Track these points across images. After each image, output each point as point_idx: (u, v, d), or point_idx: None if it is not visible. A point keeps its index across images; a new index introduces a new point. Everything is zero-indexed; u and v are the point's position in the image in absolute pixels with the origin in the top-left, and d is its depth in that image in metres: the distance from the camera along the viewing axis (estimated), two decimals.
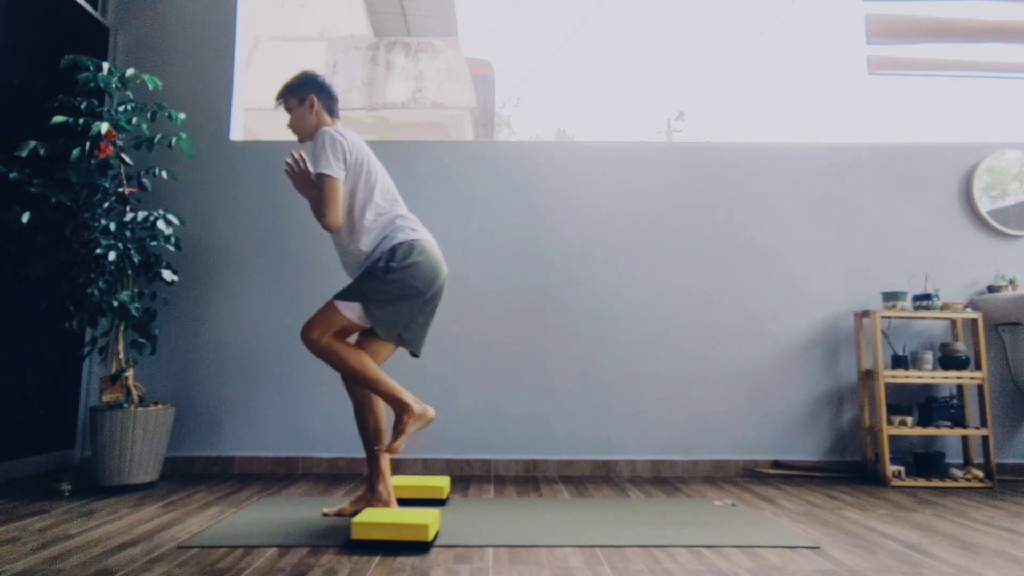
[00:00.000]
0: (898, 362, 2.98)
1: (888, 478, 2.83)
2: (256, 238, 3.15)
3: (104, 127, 2.64)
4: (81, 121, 2.65)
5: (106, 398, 2.61)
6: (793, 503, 2.50)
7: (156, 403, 2.78)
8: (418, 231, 2.15)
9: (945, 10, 3.65)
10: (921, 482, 2.84)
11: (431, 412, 2.08)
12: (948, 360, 2.96)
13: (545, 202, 3.22)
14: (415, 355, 2.19)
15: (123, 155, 2.77)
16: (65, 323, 2.63)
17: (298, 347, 3.06)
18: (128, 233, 2.71)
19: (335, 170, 2.05)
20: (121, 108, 2.80)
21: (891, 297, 2.98)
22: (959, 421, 2.94)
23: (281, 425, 3.04)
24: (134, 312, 2.65)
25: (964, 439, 3.02)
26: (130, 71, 2.82)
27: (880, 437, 2.86)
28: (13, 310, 2.72)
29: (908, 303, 2.98)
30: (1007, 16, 3.62)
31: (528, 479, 2.92)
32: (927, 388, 3.12)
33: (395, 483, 2.36)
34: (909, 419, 2.92)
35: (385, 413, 2.20)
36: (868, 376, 3.01)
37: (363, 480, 2.81)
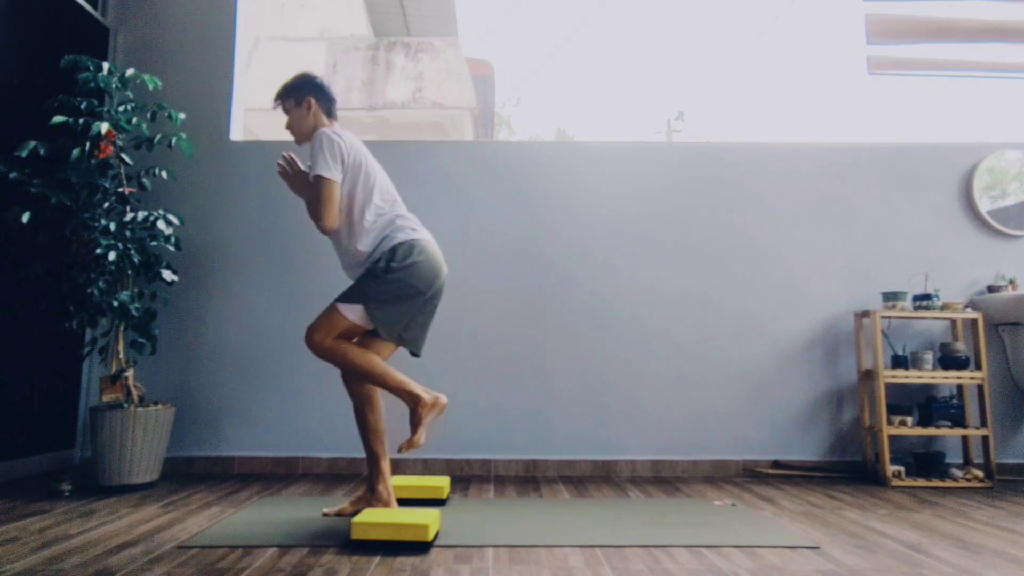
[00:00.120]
0: (898, 362, 2.98)
1: (888, 478, 2.83)
2: (256, 238, 3.15)
3: (104, 127, 2.64)
4: (81, 121, 2.65)
5: (106, 398, 2.61)
6: (793, 503, 2.50)
7: (156, 403, 2.78)
8: (418, 231, 2.15)
9: (945, 10, 3.65)
10: (921, 482, 2.84)
11: (443, 399, 2.09)
12: (948, 360, 2.96)
13: (545, 202, 3.22)
14: (416, 355, 2.19)
15: (123, 155, 2.77)
16: (65, 323, 2.63)
17: (298, 347, 3.06)
18: (128, 233, 2.71)
19: (332, 172, 2.05)
20: (121, 108, 2.81)
21: (891, 297, 2.98)
22: (959, 421, 2.94)
23: (281, 425, 3.04)
24: (134, 312, 2.65)
25: (964, 439, 3.02)
26: (130, 71, 2.82)
27: (880, 437, 2.86)
28: (13, 310, 2.72)
29: (908, 303, 2.98)
30: (1007, 16, 3.62)
31: (528, 479, 2.92)
32: (927, 388, 3.12)
33: (395, 483, 2.36)
34: (909, 419, 2.92)
35: (385, 413, 2.21)
36: (868, 376, 3.02)
37: (363, 480, 2.81)
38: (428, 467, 3.01)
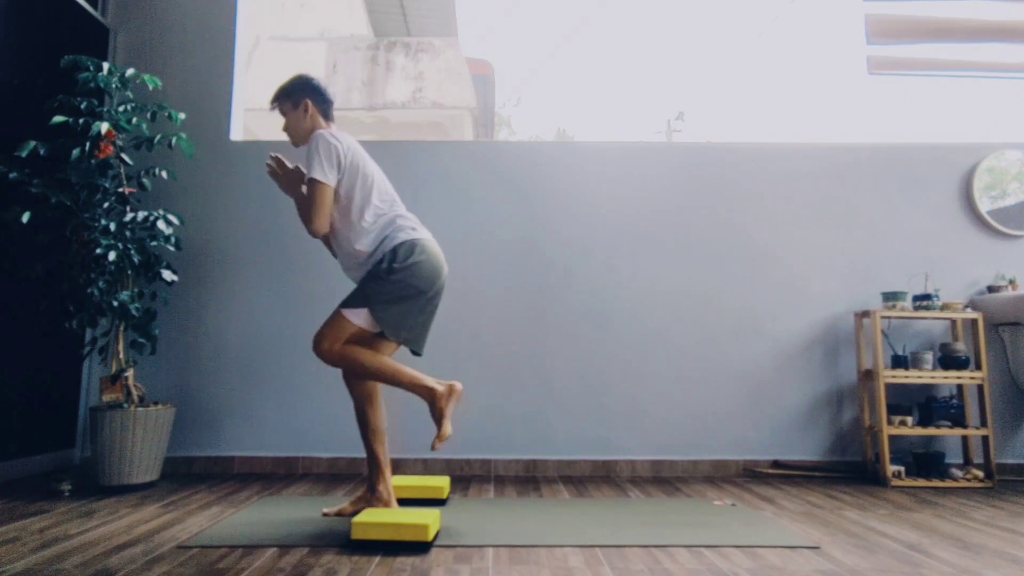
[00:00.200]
0: (898, 362, 2.97)
1: (888, 478, 2.83)
2: (256, 238, 3.15)
3: (104, 127, 2.64)
4: (81, 121, 2.65)
5: (106, 398, 2.61)
6: (793, 503, 2.50)
7: (156, 403, 2.78)
8: (418, 230, 2.15)
9: (945, 10, 3.65)
10: (921, 482, 2.84)
11: (458, 386, 2.10)
12: (948, 360, 2.96)
13: (545, 202, 3.22)
14: (417, 354, 2.19)
15: (123, 155, 2.77)
16: (65, 323, 2.63)
17: (298, 347, 3.07)
18: (128, 233, 2.71)
19: (327, 176, 2.05)
20: (121, 108, 2.80)
21: (891, 297, 2.98)
22: (959, 421, 2.94)
23: (281, 425, 3.04)
24: (134, 312, 2.65)
25: (964, 439, 3.02)
26: (130, 71, 2.82)
27: (880, 437, 2.86)
28: (13, 310, 2.72)
29: (908, 303, 2.98)
30: (1007, 16, 3.62)
31: (528, 479, 2.92)
32: (927, 388, 3.12)
33: (395, 483, 2.36)
34: (909, 419, 2.92)
35: (386, 413, 2.21)
36: (868, 376, 3.02)
37: (363, 480, 2.81)
38: (428, 467, 3.01)
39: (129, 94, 2.88)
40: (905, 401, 3.06)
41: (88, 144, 2.65)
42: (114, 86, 2.77)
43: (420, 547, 1.83)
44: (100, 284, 2.62)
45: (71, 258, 2.63)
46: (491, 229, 3.19)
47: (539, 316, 3.14)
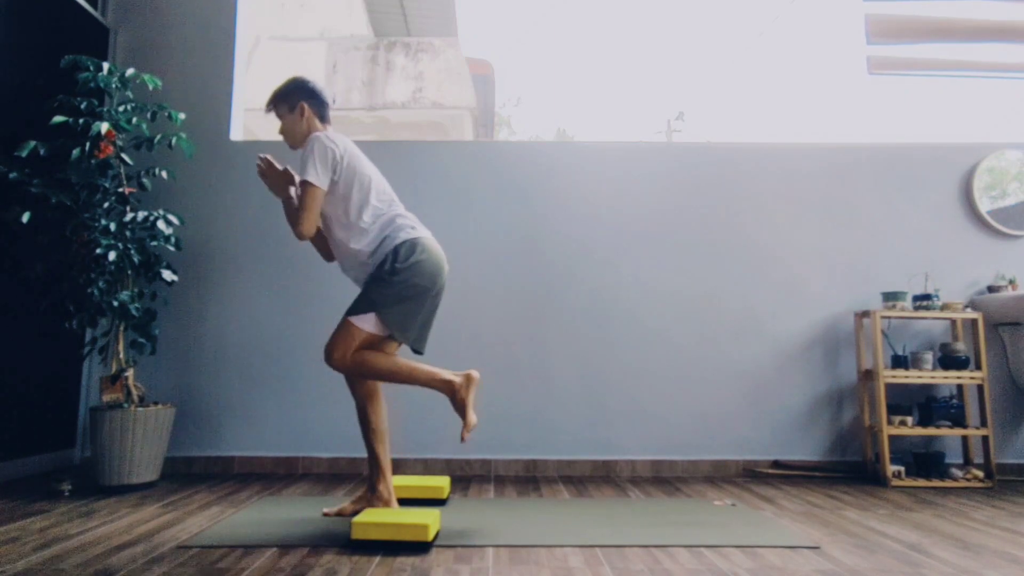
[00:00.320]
0: (898, 362, 2.97)
1: (888, 478, 2.83)
2: (256, 238, 3.15)
3: (104, 127, 2.64)
4: (81, 121, 2.65)
5: (106, 398, 2.61)
6: (793, 503, 2.50)
7: (156, 403, 2.78)
8: (417, 229, 2.15)
9: (945, 10, 3.65)
10: (921, 482, 2.84)
11: (474, 374, 2.11)
12: (948, 360, 2.96)
13: (545, 202, 3.22)
14: (419, 352, 2.19)
15: (123, 155, 2.77)
16: (65, 323, 2.63)
17: (298, 347, 3.07)
18: (128, 233, 2.71)
19: (319, 179, 2.05)
20: (121, 108, 2.80)
21: (891, 297, 2.98)
22: (959, 421, 2.94)
23: (281, 425, 3.04)
24: (134, 312, 2.65)
25: (964, 439, 3.02)
26: (130, 71, 2.82)
27: (880, 437, 2.86)
28: (13, 310, 2.72)
29: (908, 303, 2.98)
30: (1007, 16, 3.62)
31: (528, 479, 2.92)
32: (927, 388, 3.12)
33: (395, 483, 2.36)
34: (909, 419, 2.92)
35: (388, 413, 2.20)
36: (868, 376, 3.02)
37: (364, 480, 2.81)
38: (428, 467, 3.01)
39: (129, 94, 2.88)
40: (905, 401, 3.06)
41: (88, 144, 2.65)
42: (114, 86, 2.77)
43: (420, 547, 1.83)
44: (100, 284, 2.62)
45: (71, 258, 2.63)
46: (491, 229, 3.19)
47: (539, 316, 3.14)
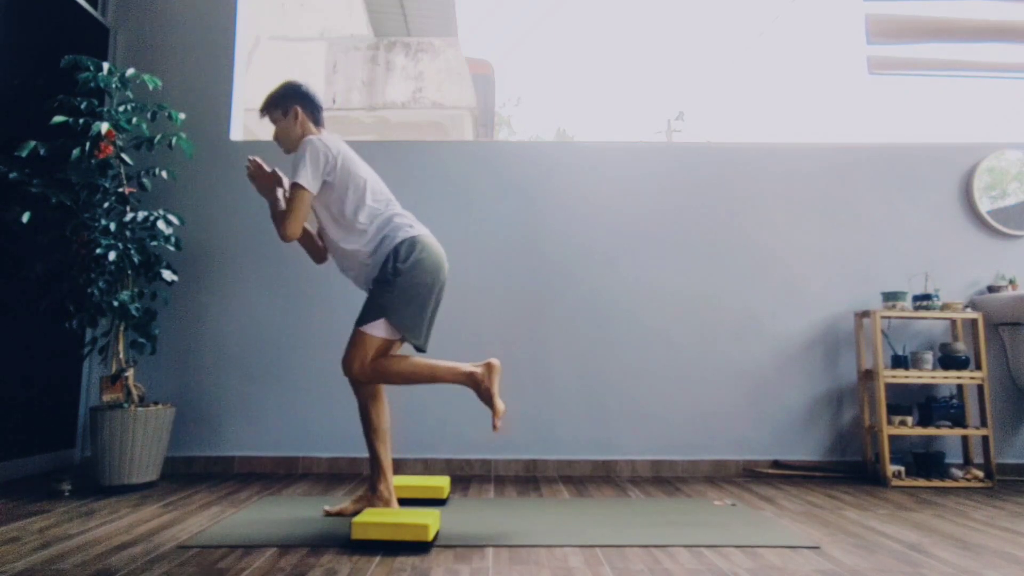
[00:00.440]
0: (898, 362, 2.97)
1: (888, 478, 2.83)
2: (256, 238, 3.15)
3: (104, 127, 2.64)
4: (81, 121, 2.65)
5: (106, 398, 2.61)
6: (793, 503, 2.50)
7: (156, 403, 2.78)
8: (416, 227, 2.16)
9: (945, 10, 3.65)
10: (921, 482, 2.84)
11: (495, 362, 2.12)
12: (948, 360, 2.96)
13: (545, 202, 3.22)
14: (422, 350, 2.18)
15: (123, 155, 2.77)
16: (65, 323, 2.63)
17: (298, 346, 3.07)
18: (128, 233, 2.71)
19: (310, 183, 2.06)
20: (121, 108, 2.80)
21: (891, 297, 2.98)
22: (959, 421, 2.94)
23: (281, 425, 3.04)
24: (134, 312, 2.65)
25: (964, 439, 3.02)
26: (130, 71, 2.82)
27: (880, 437, 2.86)
28: (13, 310, 2.72)
29: (908, 303, 2.98)
30: (1007, 16, 3.62)
31: (528, 479, 2.92)
32: (927, 388, 3.12)
33: (396, 483, 2.36)
34: (909, 419, 2.92)
35: (391, 413, 2.20)
36: (868, 376, 3.02)
37: (364, 480, 2.81)
38: (428, 467, 3.01)
39: (129, 94, 2.88)
40: (905, 401, 3.06)
41: (88, 144, 2.65)
42: (114, 86, 2.77)
43: (420, 547, 1.83)
44: (100, 284, 2.62)
45: (71, 258, 2.63)
46: (491, 229, 3.19)
47: (539, 316, 3.14)
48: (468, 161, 3.25)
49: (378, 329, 2.05)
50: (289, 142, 2.23)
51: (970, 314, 2.95)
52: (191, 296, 3.11)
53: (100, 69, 2.72)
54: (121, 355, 2.67)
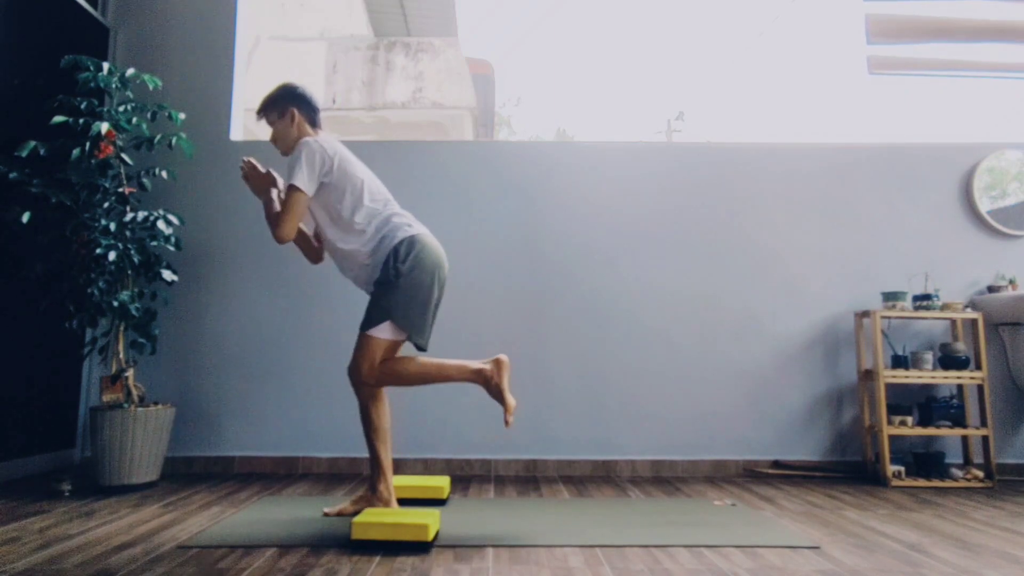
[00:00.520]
0: (898, 362, 2.97)
1: (888, 478, 2.83)
2: (256, 238, 3.15)
3: (104, 127, 2.64)
4: (81, 121, 2.65)
5: (106, 398, 2.61)
6: (793, 503, 2.50)
7: (156, 403, 2.78)
8: (414, 226, 2.16)
9: (945, 10, 3.65)
10: (921, 482, 2.84)
11: (503, 358, 2.14)
12: (948, 360, 2.96)
13: (545, 202, 3.22)
14: (423, 349, 2.18)
15: (123, 155, 2.77)
16: (65, 323, 2.63)
17: (298, 346, 3.07)
18: (128, 233, 2.71)
19: (306, 184, 2.06)
20: (121, 108, 2.80)
21: (891, 297, 2.98)
22: (959, 421, 2.94)
23: (281, 425, 3.04)
24: (134, 312, 2.65)
25: (964, 439, 3.02)
26: (130, 71, 2.82)
27: (880, 437, 2.86)
28: (13, 310, 2.72)
29: (908, 303, 2.98)
30: (1007, 16, 3.62)
31: (528, 479, 2.92)
32: (927, 388, 3.12)
33: (396, 483, 2.36)
34: (909, 419, 2.92)
35: (391, 413, 2.20)
36: (868, 376, 3.02)
37: (364, 480, 2.81)
38: (428, 467, 3.01)
39: (129, 94, 2.88)
40: (905, 401, 3.06)
41: (88, 144, 2.65)
42: (114, 86, 2.77)
43: (420, 547, 1.83)
44: (100, 284, 2.62)
45: (71, 258, 2.63)
46: (491, 229, 3.19)
47: (539, 316, 3.14)
48: (468, 161, 3.25)
49: (384, 331, 2.06)
50: (286, 144, 2.23)
51: (970, 314, 2.95)
52: (191, 296, 3.11)
53: (100, 69, 2.72)
54: (121, 355, 2.67)
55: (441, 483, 2.42)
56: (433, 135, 8.83)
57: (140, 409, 2.57)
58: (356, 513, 2.14)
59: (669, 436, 3.08)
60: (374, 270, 2.12)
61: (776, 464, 3.05)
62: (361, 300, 2.23)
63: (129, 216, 2.72)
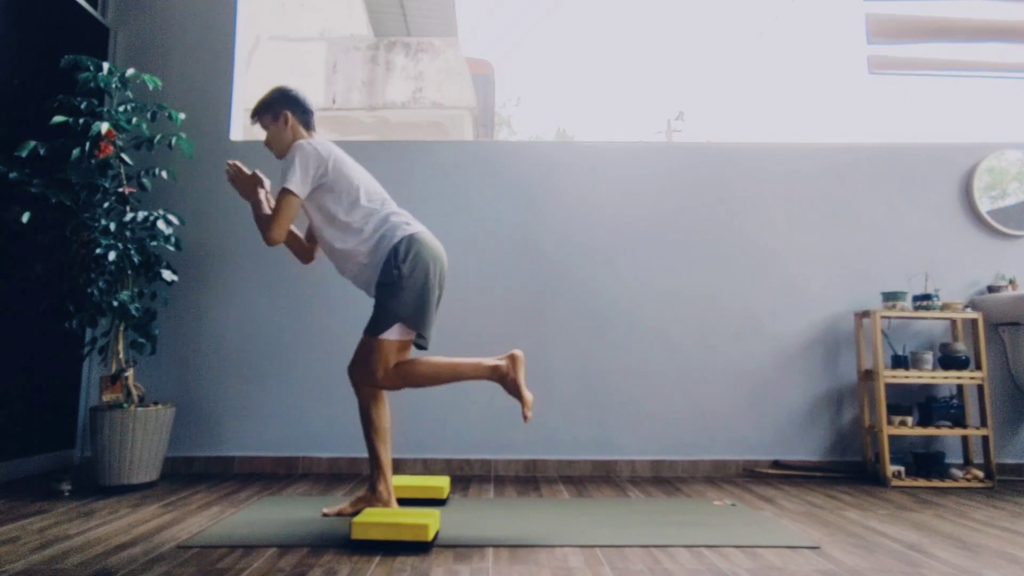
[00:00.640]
0: (898, 362, 2.97)
1: (888, 478, 2.83)
2: (256, 238, 3.14)
3: (104, 127, 2.64)
4: (81, 121, 2.65)
5: (106, 398, 2.61)
6: (793, 503, 2.50)
7: (156, 403, 2.78)
8: (412, 225, 2.16)
9: (945, 10, 3.65)
10: (921, 482, 2.84)
11: (518, 353, 2.12)
12: (948, 360, 2.96)
13: (545, 202, 3.22)
14: (424, 348, 2.18)
15: (123, 155, 2.77)
16: (65, 323, 2.63)
17: (298, 346, 3.07)
18: (128, 233, 2.71)
19: (299, 188, 2.06)
20: (121, 108, 2.80)
21: (891, 297, 2.98)
22: (959, 421, 2.94)
23: (281, 425, 3.04)
24: (134, 312, 2.65)
25: (964, 439, 3.02)
26: (130, 71, 2.82)
27: (880, 437, 2.86)
28: (13, 310, 2.72)
29: (908, 303, 2.98)
30: (1007, 16, 3.62)
31: (528, 479, 2.92)
32: (927, 388, 3.12)
33: (395, 483, 2.36)
34: (909, 419, 2.92)
35: (392, 413, 2.20)
36: (868, 376, 3.01)
37: (364, 480, 2.81)
38: (428, 467, 3.01)
39: (129, 94, 2.88)
40: (905, 401, 3.06)
41: (88, 144, 2.65)
42: (114, 86, 2.77)
43: (420, 547, 1.83)
44: (100, 284, 2.62)
45: (71, 258, 2.63)
46: (491, 229, 3.19)
47: (539, 316, 3.14)
48: (468, 161, 3.25)
49: (393, 333, 2.06)
50: (280, 147, 2.23)
51: (970, 314, 2.95)
52: (191, 296, 3.11)
53: (100, 69, 2.72)
54: (121, 355, 2.67)
55: (441, 483, 2.42)
56: (433, 135, 8.83)
57: (140, 409, 2.57)
58: (355, 514, 2.14)
59: (669, 436, 3.08)
60: (374, 270, 2.11)
61: (776, 464, 3.05)
62: (361, 299, 2.23)
63: (129, 216, 2.72)
